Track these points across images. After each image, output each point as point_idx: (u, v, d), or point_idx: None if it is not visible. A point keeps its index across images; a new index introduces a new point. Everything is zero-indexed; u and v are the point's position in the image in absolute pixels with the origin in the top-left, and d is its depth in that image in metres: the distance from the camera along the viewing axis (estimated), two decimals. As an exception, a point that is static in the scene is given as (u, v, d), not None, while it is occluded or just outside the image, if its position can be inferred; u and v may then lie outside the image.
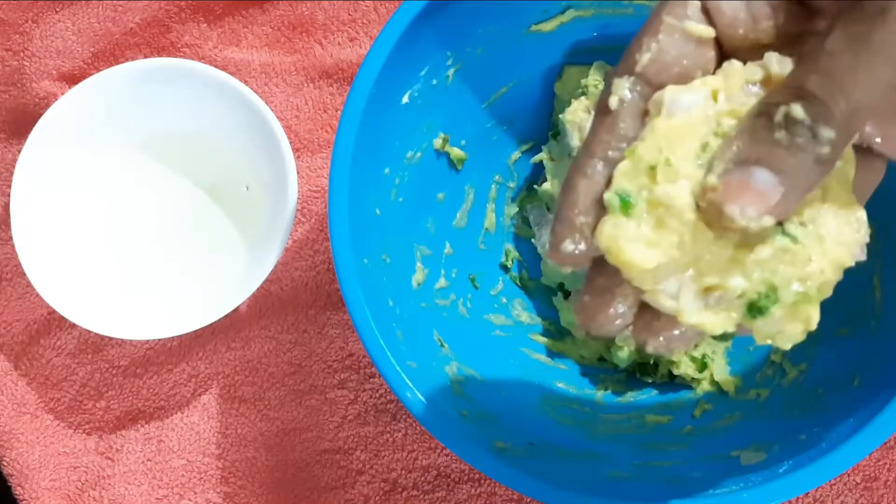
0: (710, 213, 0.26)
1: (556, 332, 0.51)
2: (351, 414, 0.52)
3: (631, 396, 0.49)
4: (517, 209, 0.52)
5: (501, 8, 0.44)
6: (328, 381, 0.52)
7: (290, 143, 0.50)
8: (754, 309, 0.27)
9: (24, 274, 0.49)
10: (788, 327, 0.27)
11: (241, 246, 0.52)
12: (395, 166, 0.45)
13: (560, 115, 0.48)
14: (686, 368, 0.48)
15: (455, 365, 0.45)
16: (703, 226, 0.27)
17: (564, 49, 0.48)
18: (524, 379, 0.48)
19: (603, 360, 0.50)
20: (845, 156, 0.28)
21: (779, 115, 0.25)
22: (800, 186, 0.25)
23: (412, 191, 0.46)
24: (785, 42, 0.28)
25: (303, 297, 0.52)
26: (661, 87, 0.28)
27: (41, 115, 0.50)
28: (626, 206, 0.27)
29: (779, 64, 0.27)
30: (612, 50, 0.48)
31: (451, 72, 0.45)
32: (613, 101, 0.28)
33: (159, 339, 0.52)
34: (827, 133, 0.25)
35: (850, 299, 0.43)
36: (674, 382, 0.49)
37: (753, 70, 0.28)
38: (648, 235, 0.27)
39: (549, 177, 0.50)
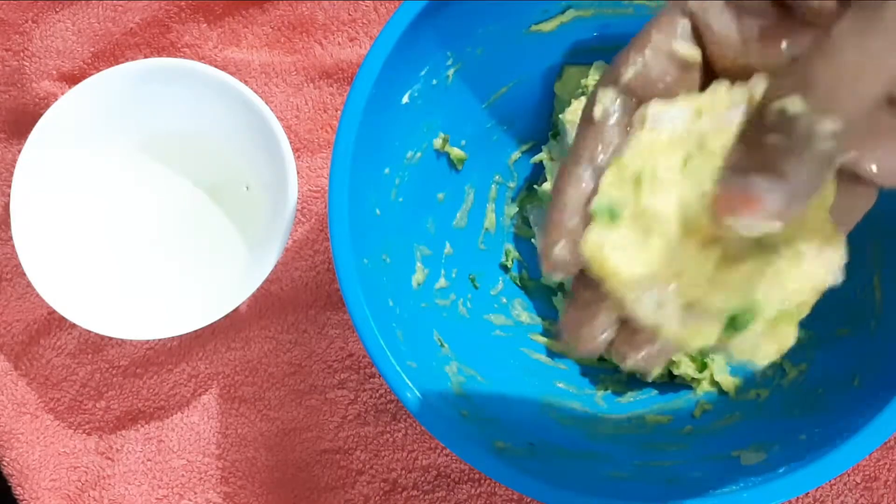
0: (714, 224, 0.26)
1: (557, 332, 0.51)
2: (351, 414, 0.52)
3: (631, 396, 0.49)
4: (517, 209, 0.52)
5: (501, 8, 0.44)
6: (328, 381, 0.52)
7: (290, 143, 0.50)
8: (733, 325, 0.27)
9: (24, 274, 0.49)
10: (765, 345, 0.27)
11: (241, 246, 0.52)
12: (395, 166, 0.45)
13: (560, 115, 0.48)
14: (686, 368, 0.48)
15: (455, 365, 0.45)
16: (687, 240, 0.27)
17: (564, 49, 0.48)
18: (524, 379, 0.48)
19: (603, 360, 0.50)
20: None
21: (771, 114, 0.24)
22: (802, 189, 0.24)
23: (412, 191, 0.46)
24: (776, 66, 0.28)
25: (303, 297, 0.52)
26: (644, 100, 0.28)
27: (41, 115, 0.50)
28: (611, 215, 0.27)
29: (763, 81, 0.28)
30: (612, 50, 0.48)
31: (451, 72, 0.45)
32: (598, 111, 0.28)
33: (159, 339, 0.52)
34: (829, 125, 0.23)
35: (850, 299, 0.43)
36: (674, 382, 0.49)
37: (740, 92, 0.27)
38: (633, 245, 0.27)
39: (549, 177, 0.50)
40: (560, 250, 0.28)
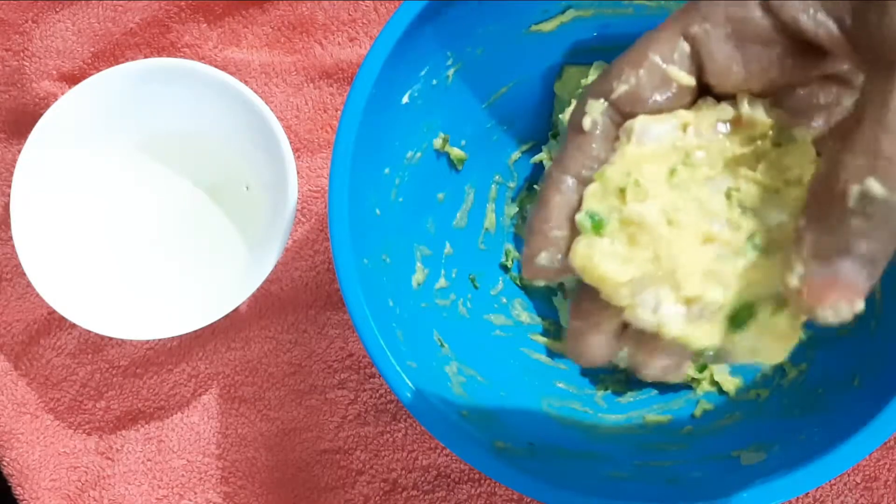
0: (802, 312, 0.25)
1: (556, 332, 0.51)
2: (351, 414, 0.52)
3: (631, 396, 0.49)
4: (517, 209, 0.52)
5: (501, 8, 0.44)
6: (328, 381, 0.52)
7: (290, 143, 0.50)
8: (735, 322, 0.27)
9: (24, 274, 0.50)
10: (770, 344, 0.27)
11: (241, 246, 0.52)
12: (395, 166, 0.45)
13: (560, 115, 0.48)
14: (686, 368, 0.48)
15: (455, 365, 0.45)
16: (677, 239, 0.27)
17: (564, 49, 0.48)
18: (524, 379, 0.48)
19: (603, 360, 0.50)
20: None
21: (852, 199, 0.23)
22: (882, 262, 0.24)
23: (412, 191, 0.46)
24: (771, 91, 0.28)
25: (303, 297, 0.52)
26: (632, 115, 0.28)
27: (41, 115, 0.50)
28: (597, 226, 0.27)
29: (750, 105, 0.28)
30: (612, 50, 0.48)
31: (451, 72, 0.45)
32: (587, 123, 0.28)
33: (159, 339, 0.52)
34: None
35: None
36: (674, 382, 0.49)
37: (725, 110, 0.28)
38: (622, 251, 0.27)
39: (549, 177, 0.50)
40: (542, 259, 0.28)
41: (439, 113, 0.46)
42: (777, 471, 0.39)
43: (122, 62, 0.53)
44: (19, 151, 0.51)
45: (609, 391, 0.49)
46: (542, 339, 0.51)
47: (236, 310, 0.51)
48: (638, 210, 0.27)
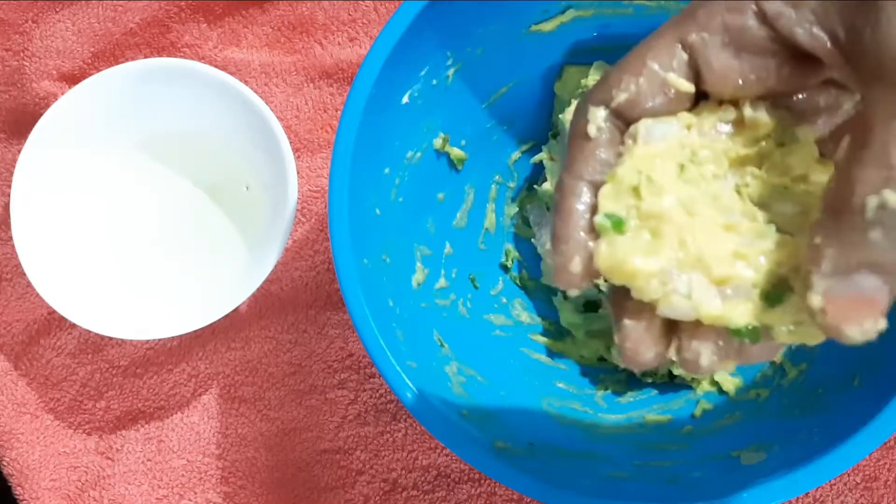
0: (826, 332, 0.25)
1: (556, 332, 0.51)
2: (351, 414, 0.52)
3: (631, 396, 0.49)
4: (517, 209, 0.52)
5: (501, 8, 0.44)
6: (328, 381, 0.52)
7: (290, 143, 0.50)
8: (770, 299, 0.27)
9: (24, 274, 0.50)
10: (809, 321, 0.27)
11: (241, 246, 0.52)
12: (395, 166, 0.45)
13: (560, 115, 0.48)
14: (686, 368, 0.48)
15: (455, 365, 0.45)
16: (700, 224, 0.27)
17: (564, 49, 0.48)
18: (524, 379, 0.48)
19: (603, 360, 0.50)
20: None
21: (870, 210, 0.23)
22: None
23: (412, 191, 0.46)
24: (770, 96, 0.28)
25: (303, 297, 0.52)
26: (633, 120, 0.28)
27: (41, 115, 0.50)
28: (618, 224, 0.27)
29: (752, 107, 0.28)
30: (612, 50, 0.48)
31: (451, 72, 0.45)
32: (592, 130, 0.28)
33: (159, 339, 0.52)
34: None
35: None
36: (673, 382, 0.49)
37: (727, 111, 0.28)
38: (647, 244, 0.27)
39: (549, 177, 0.50)
40: (576, 265, 0.28)
41: (439, 113, 0.46)
42: (777, 471, 0.39)
43: (122, 62, 0.53)
44: (19, 151, 0.51)
45: (609, 391, 0.49)
46: (542, 339, 0.51)
47: (236, 310, 0.51)
48: (657, 203, 0.27)
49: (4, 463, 0.52)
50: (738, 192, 0.28)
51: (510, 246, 0.52)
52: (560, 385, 0.49)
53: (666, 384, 0.49)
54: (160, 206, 0.53)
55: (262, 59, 0.53)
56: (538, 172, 0.52)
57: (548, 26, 0.47)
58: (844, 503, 0.49)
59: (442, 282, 0.49)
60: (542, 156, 0.50)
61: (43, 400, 0.53)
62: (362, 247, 0.42)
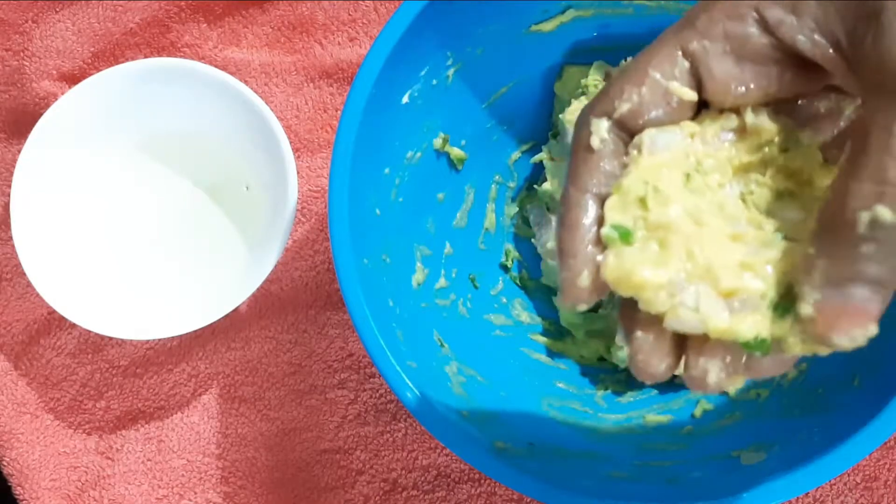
0: (817, 340, 0.25)
1: (556, 331, 0.51)
2: (351, 414, 0.52)
3: (631, 396, 0.49)
4: (517, 209, 0.52)
5: (501, 8, 0.44)
6: (328, 381, 0.52)
7: (290, 143, 0.50)
8: (780, 308, 0.27)
9: (24, 274, 0.50)
10: None
11: (241, 246, 0.52)
12: (395, 166, 0.45)
13: (560, 115, 0.48)
14: (686, 368, 0.48)
15: (455, 365, 0.45)
16: (707, 235, 0.27)
17: (564, 49, 0.48)
18: (524, 379, 0.48)
19: (603, 360, 0.50)
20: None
21: (862, 225, 0.24)
22: (893, 285, 0.24)
23: (412, 191, 0.46)
24: (772, 103, 0.28)
25: (303, 297, 0.52)
26: (636, 131, 0.28)
27: (41, 115, 0.50)
28: (625, 236, 0.27)
29: (754, 113, 0.28)
30: (612, 50, 0.48)
31: (451, 72, 0.45)
32: (595, 142, 0.28)
33: (159, 339, 0.52)
34: None
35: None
36: (674, 382, 0.49)
37: (729, 119, 0.28)
38: (654, 256, 0.27)
39: (549, 177, 0.50)
40: (584, 280, 0.28)
41: (439, 113, 0.46)
42: (777, 471, 0.39)
43: (122, 62, 0.53)
44: (19, 151, 0.51)
45: (609, 391, 0.49)
46: (542, 339, 0.51)
47: (236, 310, 0.51)
48: (664, 213, 0.27)
49: (4, 463, 0.52)
50: (744, 201, 0.28)
51: (510, 246, 0.52)
52: (560, 385, 0.49)
53: (666, 384, 0.49)
54: (160, 206, 0.53)
55: (262, 59, 0.53)
56: (538, 172, 0.52)
57: (548, 26, 0.47)
58: (844, 503, 0.49)
59: (442, 282, 0.49)
60: (542, 156, 0.50)
61: (43, 400, 0.53)
62: (362, 247, 0.42)
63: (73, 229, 0.51)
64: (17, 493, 0.52)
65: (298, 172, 0.51)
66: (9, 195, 0.50)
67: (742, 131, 0.28)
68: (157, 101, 0.51)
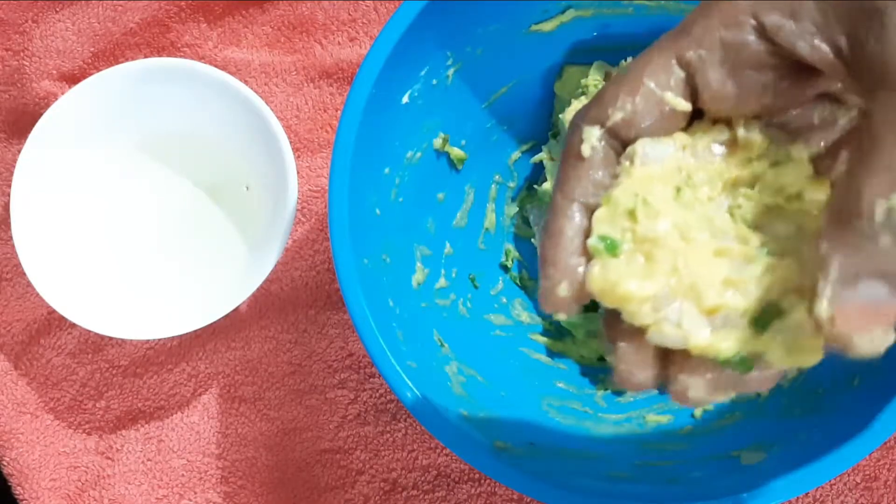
0: (835, 342, 0.24)
1: (556, 331, 0.51)
2: (351, 414, 0.52)
3: (631, 396, 0.49)
4: (517, 209, 0.52)
5: (501, 8, 0.44)
6: (328, 380, 0.52)
7: (290, 143, 0.50)
8: (759, 323, 0.27)
9: (24, 274, 0.49)
10: (802, 343, 0.27)
11: (241, 246, 0.52)
12: (395, 166, 0.45)
13: (560, 115, 0.48)
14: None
15: (455, 365, 0.45)
16: (693, 250, 0.27)
17: (564, 49, 0.48)
18: (524, 379, 0.48)
19: (603, 360, 0.50)
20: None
21: (880, 214, 0.23)
22: None
23: (412, 191, 0.46)
24: (771, 112, 0.28)
25: (303, 297, 0.52)
26: (629, 140, 0.28)
27: (41, 115, 0.50)
28: (612, 247, 0.27)
29: (745, 126, 0.28)
30: (612, 50, 0.48)
31: (451, 72, 0.45)
32: (586, 149, 0.28)
33: (159, 339, 0.52)
34: None
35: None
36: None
37: (720, 132, 0.28)
38: (640, 269, 0.27)
39: (549, 177, 0.50)
40: (563, 290, 0.27)
41: (439, 113, 0.46)
42: (777, 471, 0.39)
43: (122, 62, 0.53)
44: (19, 151, 0.51)
45: (609, 391, 0.49)
46: (542, 339, 0.51)
47: (236, 310, 0.51)
48: (652, 227, 0.27)
49: (4, 463, 0.52)
50: (732, 215, 0.28)
51: (510, 246, 0.52)
52: (560, 385, 0.49)
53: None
54: (160, 206, 0.53)
55: (262, 58, 0.53)
56: (538, 172, 0.52)
57: (548, 26, 0.47)
58: (844, 503, 0.49)
59: (442, 282, 0.49)
60: (542, 156, 0.50)
61: (43, 400, 0.53)
62: (362, 247, 0.42)
63: (73, 229, 0.51)
64: (17, 493, 0.52)
65: (298, 172, 0.51)
66: (9, 195, 0.50)
67: (733, 144, 0.28)
68: (157, 101, 0.51)
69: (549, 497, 0.39)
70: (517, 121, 0.50)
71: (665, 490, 0.41)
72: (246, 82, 0.53)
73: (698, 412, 0.47)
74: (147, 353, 0.53)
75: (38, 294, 0.49)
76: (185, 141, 0.52)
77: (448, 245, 0.49)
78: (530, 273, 0.52)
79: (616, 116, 0.28)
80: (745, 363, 0.27)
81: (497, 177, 0.51)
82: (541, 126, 0.51)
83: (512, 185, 0.52)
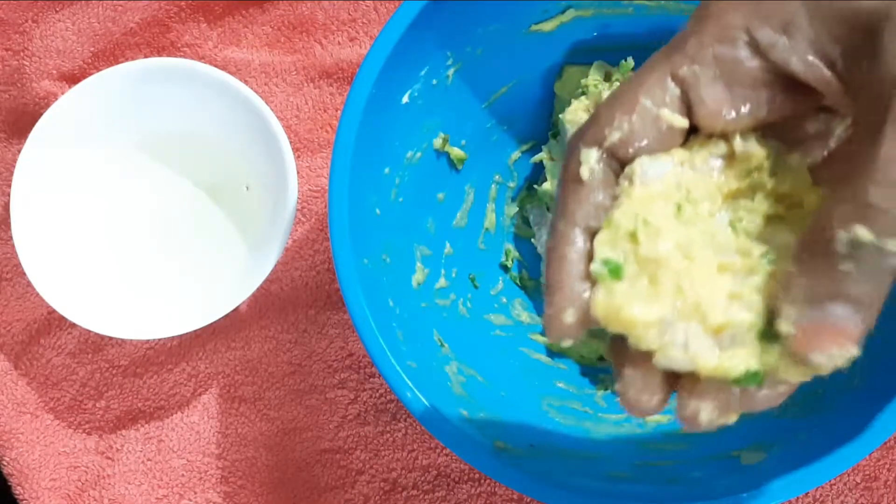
0: (795, 359, 0.25)
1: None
2: (351, 414, 0.52)
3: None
4: (517, 209, 0.52)
5: (501, 8, 0.44)
6: (328, 380, 0.52)
7: (290, 143, 0.50)
8: (767, 336, 0.26)
9: (24, 274, 0.49)
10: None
11: (241, 246, 0.52)
12: (395, 166, 0.45)
13: (560, 115, 0.48)
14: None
15: (455, 365, 0.45)
16: (697, 268, 0.27)
17: (564, 49, 0.48)
18: (524, 379, 0.48)
19: (603, 360, 0.50)
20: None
21: (841, 244, 0.24)
22: (875, 305, 0.24)
23: (412, 191, 0.46)
24: (761, 127, 0.28)
25: (303, 297, 0.52)
26: (627, 159, 0.28)
27: (41, 115, 0.50)
28: (615, 271, 0.27)
29: (742, 139, 0.28)
30: (612, 50, 0.48)
31: (451, 72, 0.45)
32: (585, 172, 0.28)
33: (159, 339, 0.52)
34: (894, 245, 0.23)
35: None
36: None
37: (718, 145, 0.28)
38: (644, 292, 0.26)
39: (549, 177, 0.50)
40: (569, 316, 0.27)
41: (439, 113, 0.46)
42: (777, 471, 0.39)
43: (122, 62, 0.53)
44: (19, 151, 0.51)
45: (609, 391, 0.49)
46: (542, 339, 0.51)
47: (236, 310, 0.51)
48: (654, 248, 0.27)
49: (4, 463, 0.52)
50: (733, 227, 0.28)
51: (510, 246, 0.52)
52: (560, 385, 0.49)
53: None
54: (160, 206, 0.53)
55: (262, 58, 0.53)
56: (538, 172, 0.52)
57: (548, 26, 0.47)
58: (844, 503, 0.49)
59: (442, 282, 0.49)
60: (542, 156, 0.50)
61: (43, 400, 0.53)
62: (362, 247, 0.42)
63: (73, 229, 0.51)
64: (17, 493, 0.52)
65: (298, 172, 0.51)
66: (9, 195, 0.50)
67: (731, 157, 0.28)
68: (157, 101, 0.51)
69: (549, 497, 0.39)
70: (517, 121, 0.50)
71: (665, 490, 0.41)
72: (246, 82, 0.53)
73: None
74: (147, 353, 0.53)
75: (38, 294, 0.49)
76: (185, 141, 0.52)
77: (448, 245, 0.49)
78: (530, 273, 0.52)
79: (613, 136, 0.28)
80: (756, 378, 0.27)
81: (497, 177, 0.51)
82: (541, 126, 0.51)
83: (512, 185, 0.52)
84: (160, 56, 0.54)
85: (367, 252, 0.42)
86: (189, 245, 0.53)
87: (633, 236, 0.27)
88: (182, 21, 0.53)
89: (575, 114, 0.47)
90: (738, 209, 0.28)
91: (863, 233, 0.23)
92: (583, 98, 0.47)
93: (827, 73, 0.26)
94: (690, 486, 0.41)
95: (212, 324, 0.50)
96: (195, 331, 0.51)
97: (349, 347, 0.52)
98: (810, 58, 0.26)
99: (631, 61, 0.47)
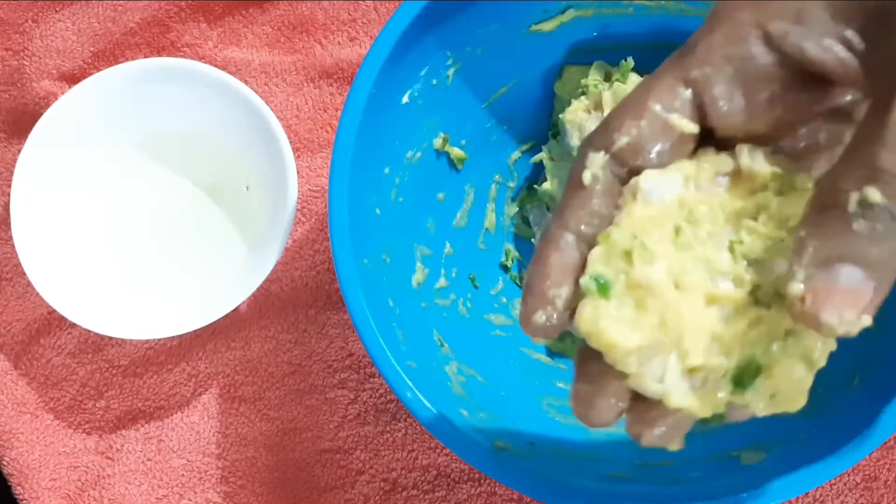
0: (804, 321, 0.25)
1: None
2: (351, 414, 0.52)
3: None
4: (517, 209, 0.52)
5: (501, 8, 0.44)
6: (328, 380, 0.52)
7: (290, 143, 0.50)
8: (740, 382, 0.27)
9: (24, 274, 0.49)
10: (787, 391, 0.27)
11: (241, 246, 0.52)
12: (395, 166, 0.45)
13: (560, 115, 0.48)
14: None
15: (455, 365, 0.45)
16: (683, 303, 0.26)
17: (564, 49, 0.48)
18: (524, 379, 0.48)
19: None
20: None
21: (852, 204, 0.24)
22: (888, 274, 0.24)
23: (412, 191, 0.46)
24: (779, 129, 0.28)
25: (303, 296, 0.52)
26: (634, 167, 0.27)
27: (41, 115, 0.50)
28: (603, 289, 0.27)
29: (750, 156, 0.27)
30: (612, 50, 0.48)
31: (451, 72, 0.45)
32: (587, 177, 0.27)
33: (159, 339, 0.52)
34: None
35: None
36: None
37: (724, 161, 0.28)
38: (629, 316, 0.26)
39: (549, 177, 0.50)
40: (538, 318, 0.27)
41: (439, 113, 0.46)
42: (777, 471, 0.39)
43: (122, 62, 0.53)
44: (19, 151, 0.51)
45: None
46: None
47: (236, 310, 0.51)
48: (646, 273, 0.26)
49: (4, 463, 0.52)
50: (732, 251, 0.27)
51: (510, 246, 0.52)
52: (560, 385, 0.49)
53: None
54: (160, 206, 0.53)
55: (262, 58, 0.53)
56: (538, 172, 0.52)
57: (548, 26, 0.47)
58: (844, 503, 0.49)
59: (442, 281, 0.49)
60: (542, 156, 0.50)
61: (43, 400, 0.53)
62: (362, 247, 0.42)
63: (73, 229, 0.51)
64: (17, 493, 0.52)
65: (298, 172, 0.51)
66: (9, 195, 0.50)
67: (737, 174, 0.28)
68: (157, 101, 0.51)
69: (549, 497, 0.39)
70: (517, 121, 0.50)
71: (665, 490, 0.41)
72: (246, 82, 0.53)
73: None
74: (147, 353, 0.53)
75: (38, 294, 0.49)
76: (185, 141, 0.52)
77: (448, 245, 0.49)
78: (530, 273, 0.52)
79: (621, 141, 0.27)
80: (720, 418, 0.27)
81: (497, 177, 0.51)
82: (541, 126, 0.51)
83: (512, 185, 0.52)
84: (160, 56, 0.54)
85: (367, 252, 0.42)
86: (189, 245, 0.53)
87: (627, 255, 0.27)
88: (182, 21, 0.53)
89: (575, 114, 0.47)
90: (740, 229, 0.28)
91: (874, 194, 0.23)
92: (583, 98, 0.47)
93: (845, 53, 0.25)
94: (690, 486, 0.41)
95: (212, 324, 0.50)
96: (195, 331, 0.51)
97: (349, 347, 0.52)
98: (825, 41, 0.26)
99: (631, 61, 0.47)
